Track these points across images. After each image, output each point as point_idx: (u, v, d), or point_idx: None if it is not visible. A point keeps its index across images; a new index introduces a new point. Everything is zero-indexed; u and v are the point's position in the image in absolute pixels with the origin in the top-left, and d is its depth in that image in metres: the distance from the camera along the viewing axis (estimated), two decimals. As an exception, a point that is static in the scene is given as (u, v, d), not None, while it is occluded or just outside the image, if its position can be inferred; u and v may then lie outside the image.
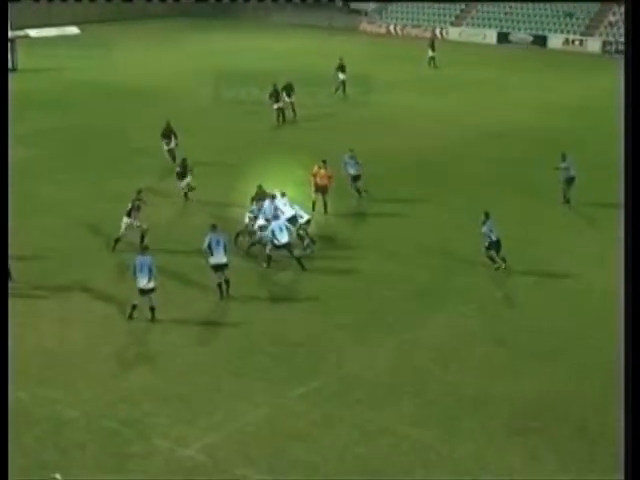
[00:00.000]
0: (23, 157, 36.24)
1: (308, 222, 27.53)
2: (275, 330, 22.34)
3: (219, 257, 23.81)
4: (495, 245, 25.85)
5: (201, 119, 44.70)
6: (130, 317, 22.43)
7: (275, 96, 43.62)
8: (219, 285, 23.88)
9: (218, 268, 23.88)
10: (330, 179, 30.47)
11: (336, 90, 51.43)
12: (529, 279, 25.92)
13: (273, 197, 27.35)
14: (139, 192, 27.47)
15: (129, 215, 26.81)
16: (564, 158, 31.65)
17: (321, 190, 30.37)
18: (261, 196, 27.66)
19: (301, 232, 27.17)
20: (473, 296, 24.50)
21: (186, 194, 31.75)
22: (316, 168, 30.56)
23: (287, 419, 18.42)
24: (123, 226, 26.89)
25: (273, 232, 25.69)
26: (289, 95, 44.42)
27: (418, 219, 30.43)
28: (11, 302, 22.90)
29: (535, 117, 46.60)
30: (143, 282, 22.05)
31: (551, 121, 45.76)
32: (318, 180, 30.40)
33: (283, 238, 25.59)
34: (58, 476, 16.39)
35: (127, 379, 19.87)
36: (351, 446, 17.52)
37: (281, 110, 43.80)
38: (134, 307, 22.37)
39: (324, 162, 30.60)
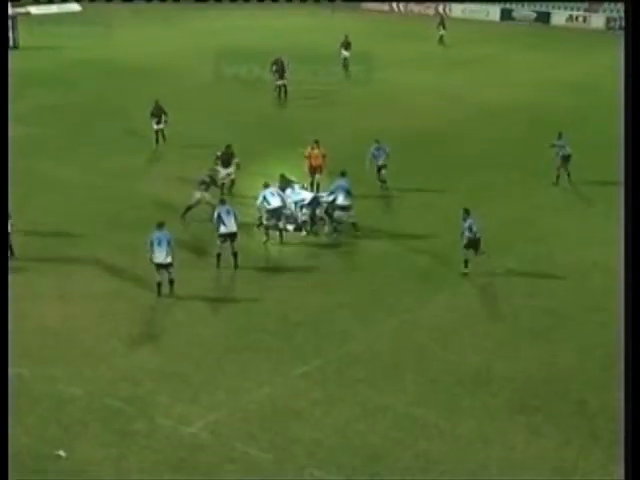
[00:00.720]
0: (24, 134, 36.19)
1: (333, 202, 27.09)
2: (277, 309, 22.37)
3: (230, 226, 24.17)
4: (474, 244, 24.20)
5: (202, 97, 44.75)
6: (159, 294, 22.59)
7: (279, 72, 43.36)
8: (233, 255, 24.39)
9: (228, 237, 24.22)
10: (324, 158, 30.01)
11: (344, 67, 51.65)
12: (530, 257, 25.91)
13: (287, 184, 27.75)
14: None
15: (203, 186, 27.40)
16: (560, 136, 31.61)
17: (316, 171, 29.84)
18: (284, 185, 27.59)
19: (324, 214, 27.14)
20: (474, 276, 24.50)
21: (223, 185, 29.59)
22: (309, 149, 30.02)
23: (289, 397, 18.48)
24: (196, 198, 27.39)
25: (265, 197, 25.90)
26: (282, 76, 43.85)
27: (418, 200, 30.36)
28: (12, 279, 22.93)
29: (538, 94, 46.50)
30: (161, 257, 22.22)
31: (554, 98, 45.67)
32: (312, 161, 29.83)
33: (275, 202, 25.82)
34: (62, 453, 16.48)
35: (129, 357, 19.92)
36: (352, 423, 17.59)
37: (284, 87, 43.54)
38: (159, 285, 22.53)
39: (317, 142, 30.05)
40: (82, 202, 29.33)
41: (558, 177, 31.60)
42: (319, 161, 29.82)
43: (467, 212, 24.54)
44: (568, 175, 31.67)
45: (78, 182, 31.42)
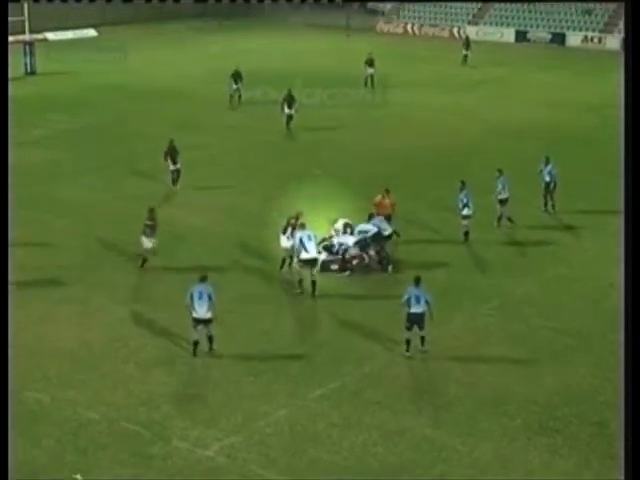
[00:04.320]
0: (42, 159, 36.52)
1: (390, 237, 26.73)
2: (294, 331, 22.36)
3: (312, 251, 23.97)
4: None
5: (217, 119, 44.95)
6: (194, 354, 20.92)
7: (288, 102, 42.52)
8: (312, 282, 24.13)
9: (309, 263, 24.02)
10: (394, 207, 28.00)
11: (365, 84, 52.04)
12: (547, 278, 25.83)
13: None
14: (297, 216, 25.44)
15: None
16: (547, 161, 30.88)
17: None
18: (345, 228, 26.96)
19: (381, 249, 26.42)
20: (492, 295, 24.46)
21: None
22: (379, 197, 27.87)
23: (306, 420, 18.44)
24: (283, 244, 25.54)
25: (301, 241, 24.22)
26: (290, 106, 42.63)
27: (435, 219, 30.31)
28: (31, 304, 23.12)
29: (554, 114, 46.53)
30: (201, 312, 20.67)
31: (570, 118, 45.67)
32: (381, 210, 27.56)
33: (312, 250, 24.22)
34: (79, 476, 16.48)
35: (147, 381, 19.93)
36: (370, 446, 17.53)
37: (290, 117, 42.63)
38: (196, 344, 20.90)
39: (387, 191, 27.99)
40: (100, 226, 29.43)
41: (545, 204, 31.05)
42: (388, 211, 27.74)
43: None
44: (553, 205, 30.99)
45: (96, 206, 31.54)
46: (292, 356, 21.10)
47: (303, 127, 42.30)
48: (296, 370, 20.45)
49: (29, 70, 56.72)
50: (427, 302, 20.92)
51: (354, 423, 18.31)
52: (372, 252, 26.17)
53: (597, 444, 17.72)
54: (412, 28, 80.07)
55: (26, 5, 59.29)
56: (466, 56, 62.29)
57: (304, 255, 24.08)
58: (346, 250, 25.95)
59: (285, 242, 25.42)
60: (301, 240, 24.09)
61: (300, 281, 24.40)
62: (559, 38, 73.68)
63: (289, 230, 25.14)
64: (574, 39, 73.20)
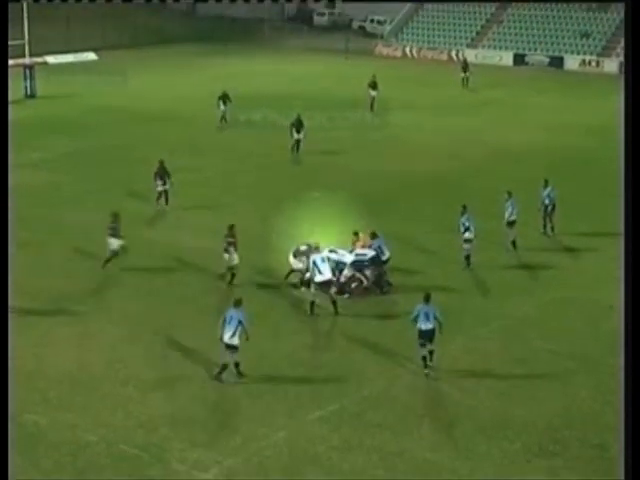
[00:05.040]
0: (42, 182, 36.54)
1: (387, 261, 26.53)
2: (294, 353, 22.32)
3: (326, 274, 24.15)
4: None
5: (216, 142, 45.06)
6: (220, 380, 20.75)
7: (297, 127, 42.26)
8: (333, 302, 24.34)
9: (324, 285, 24.17)
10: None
11: (371, 107, 52.48)
12: (547, 300, 25.81)
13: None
14: (231, 228, 26.45)
15: (226, 251, 26.20)
16: (546, 184, 30.97)
17: None
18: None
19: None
20: (491, 318, 24.44)
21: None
22: (354, 238, 27.21)
23: (306, 442, 18.38)
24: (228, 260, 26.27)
25: (315, 264, 24.29)
26: (298, 131, 42.34)
27: (434, 241, 30.32)
28: (30, 326, 23.09)
29: (552, 137, 46.62)
30: (226, 336, 20.45)
31: (568, 140, 45.78)
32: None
33: (326, 272, 24.28)
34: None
35: (146, 403, 19.87)
36: (370, 469, 17.47)
37: (298, 142, 42.38)
38: (224, 367, 20.75)
39: (356, 234, 27.18)
40: (99, 248, 29.37)
41: (544, 226, 31.11)
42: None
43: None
44: (552, 227, 31.06)
45: (95, 228, 31.49)
46: (291, 378, 21.05)
47: (302, 150, 42.33)
48: (295, 392, 20.39)
49: (29, 93, 56.83)
50: (436, 318, 21.15)
51: (354, 445, 18.24)
52: (368, 274, 26.15)
53: (597, 467, 17.65)
54: (411, 51, 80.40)
55: (26, 28, 59.43)
56: (466, 78, 62.51)
57: (319, 277, 24.16)
58: (341, 271, 25.93)
59: (296, 264, 25.97)
60: (315, 263, 24.24)
61: (312, 304, 24.37)
62: (557, 61, 73.97)
63: (299, 252, 25.82)
64: (572, 62, 73.48)
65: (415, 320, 21.18)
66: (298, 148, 42.34)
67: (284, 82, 62.01)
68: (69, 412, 19.36)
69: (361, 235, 27.16)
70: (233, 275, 26.43)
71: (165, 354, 22.31)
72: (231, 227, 26.48)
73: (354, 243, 27.06)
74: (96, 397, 20.08)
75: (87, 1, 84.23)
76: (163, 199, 33.87)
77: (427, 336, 21.10)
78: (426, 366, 21.11)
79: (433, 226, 31.64)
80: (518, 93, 61.28)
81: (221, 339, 20.60)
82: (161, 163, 33.97)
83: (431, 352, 21.24)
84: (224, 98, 48.83)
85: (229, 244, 26.19)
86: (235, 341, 20.50)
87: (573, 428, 19.00)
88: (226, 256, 26.25)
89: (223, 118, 48.81)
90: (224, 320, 20.62)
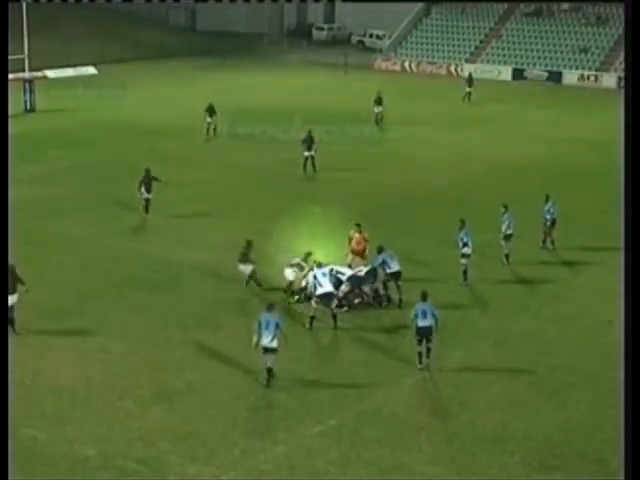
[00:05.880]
0: (41, 195, 36.54)
1: (399, 274, 26.25)
2: (292, 368, 22.28)
3: (327, 287, 24.18)
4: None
5: (215, 155, 45.13)
6: (268, 385, 21.08)
7: (308, 144, 41.62)
8: (333, 316, 24.41)
9: (325, 298, 24.18)
10: (366, 243, 27.89)
11: (376, 122, 52.64)
12: (546, 315, 25.80)
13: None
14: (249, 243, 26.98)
15: (241, 262, 26.77)
16: (547, 199, 31.02)
17: (357, 255, 27.90)
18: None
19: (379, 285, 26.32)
20: (490, 332, 24.42)
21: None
22: (352, 232, 28.08)
23: (305, 457, 18.33)
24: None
25: (315, 278, 24.42)
26: (309, 148, 41.69)
27: (433, 255, 30.27)
28: (27, 340, 23.05)
29: (551, 151, 46.70)
30: (266, 340, 20.82)
31: (567, 155, 45.87)
32: (354, 244, 27.84)
33: (327, 285, 24.35)
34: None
35: (144, 417, 19.82)
36: (368, 484, 17.44)
37: (311, 159, 41.77)
38: (269, 371, 21.09)
39: (358, 225, 28.12)
40: (97, 261, 29.44)
41: (544, 240, 31.10)
42: (361, 246, 27.81)
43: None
44: (552, 241, 31.05)
45: (94, 242, 31.55)
46: (290, 392, 21.00)
47: (318, 167, 42.09)
48: (294, 406, 20.35)
49: (29, 107, 56.91)
50: (434, 316, 21.71)
51: (353, 459, 18.21)
52: (366, 288, 26.15)
53: (597, 481, 17.63)
54: (410, 65, 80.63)
55: (26, 43, 59.57)
56: (469, 94, 62.68)
57: (319, 290, 24.20)
58: (338, 286, 25.86)
59: (290, 275, 26.17)
60: (315, 277, 24.36)
61: (312, 318, 24.36)
62: (556, 76, 74.17)
63: (295, 264, 26.10)
64: (570, 77, 73.70)
65: (415, 318, 21.83)
66: (313, 165, 41.65)
67: (283, 96, 62.14)
68: (67, 426, 19.31)
69: (357, 235, 27.72)
70: (255, 280, 26.80)
71: (164, 368, 22.28)
72: (249, 242, 26.93)
73: (350, 239, 27.73)
74: (95, 411, 20.03)
75: (87, 16, 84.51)
76: (145, 207, 34.20)
77: (424, 333, 21.73)
78: (421, 362, 21.69)
79: (432, 241, 31.60)
80: (517, 108, 61.44)
81: (257, 344, 20.93)
82: (147, 171, 34.31)
83: (428, 350, 21.74)
84: (210, 110, 49.62)
85: (243, 255, 26.70)
86: (275, 344, 20.88)
87: (572, 442, 18.96)
88: (241, 267, 26.78)
89: (210, 130, 49.54)
90: (259, 325, 20.95)
